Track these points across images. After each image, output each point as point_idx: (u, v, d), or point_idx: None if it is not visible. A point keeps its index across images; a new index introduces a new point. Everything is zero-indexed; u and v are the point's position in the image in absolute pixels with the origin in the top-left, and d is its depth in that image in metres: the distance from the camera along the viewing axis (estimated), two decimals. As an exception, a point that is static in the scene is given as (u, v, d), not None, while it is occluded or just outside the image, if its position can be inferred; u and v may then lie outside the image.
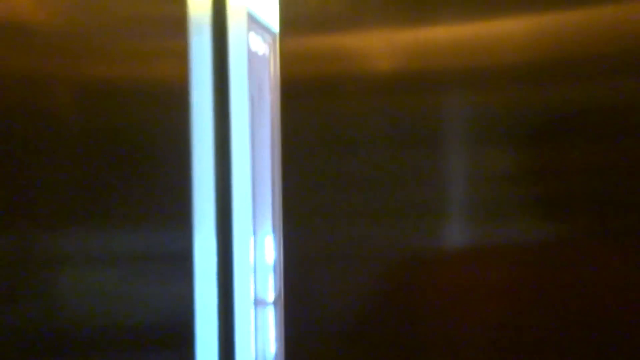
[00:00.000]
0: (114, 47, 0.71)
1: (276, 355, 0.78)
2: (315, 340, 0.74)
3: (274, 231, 0.79)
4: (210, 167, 0.73)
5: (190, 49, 0.72)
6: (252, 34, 0.78)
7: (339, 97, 0.73)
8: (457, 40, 0.70)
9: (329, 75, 0.74)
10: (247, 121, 0.77)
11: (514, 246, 0.69)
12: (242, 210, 0.75)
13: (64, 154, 0.73)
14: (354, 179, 0.72)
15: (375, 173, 0.71)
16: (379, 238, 0.72)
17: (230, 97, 0.74)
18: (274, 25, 0.77)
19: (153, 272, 0.73)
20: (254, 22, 0.78)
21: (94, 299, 0.69)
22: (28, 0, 0.76)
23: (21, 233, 0.69)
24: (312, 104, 0.74)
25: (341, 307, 0.74)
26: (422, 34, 0.71)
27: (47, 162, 0.71)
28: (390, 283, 0.73)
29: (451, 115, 0.72)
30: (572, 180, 0.68)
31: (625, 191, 0.66)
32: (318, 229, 0.73)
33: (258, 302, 0.78)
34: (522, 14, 0.70)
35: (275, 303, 0.79)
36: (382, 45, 0.73)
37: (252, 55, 0.78)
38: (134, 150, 0.73)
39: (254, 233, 0.78)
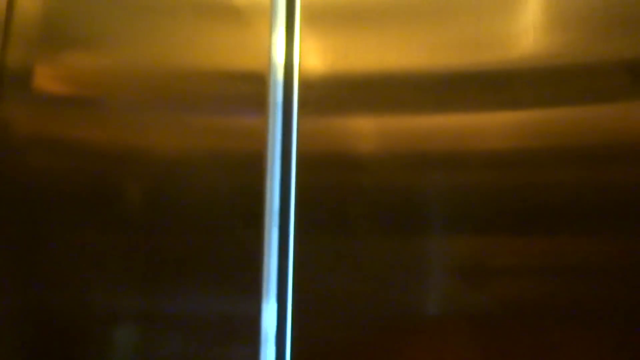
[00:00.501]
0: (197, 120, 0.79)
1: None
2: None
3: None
4: (275, 239, 0.77)
5: (268, 126, 0.78)
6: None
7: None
8: (439, 127, 0.74)
9: (337, 151, 0.78)
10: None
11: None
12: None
13: (142, 222, 0.80)
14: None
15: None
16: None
17: (293, 173, 0.79)
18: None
19: (221, 334, 0.77)
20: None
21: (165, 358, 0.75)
22: (107, 78, 0.85)
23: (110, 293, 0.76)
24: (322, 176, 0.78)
25: None
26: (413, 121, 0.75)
27: (118, 228, 0.79)
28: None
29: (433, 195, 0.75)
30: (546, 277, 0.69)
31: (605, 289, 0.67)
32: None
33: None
34: (509, 109, 0.73)
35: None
36: (373, 127, 0.77)
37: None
38: (210, 218, 0.79)
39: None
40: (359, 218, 0.75)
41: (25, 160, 0.87)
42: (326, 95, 0.78)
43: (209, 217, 0.79)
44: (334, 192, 0.76)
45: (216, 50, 0.82)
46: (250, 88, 0.80)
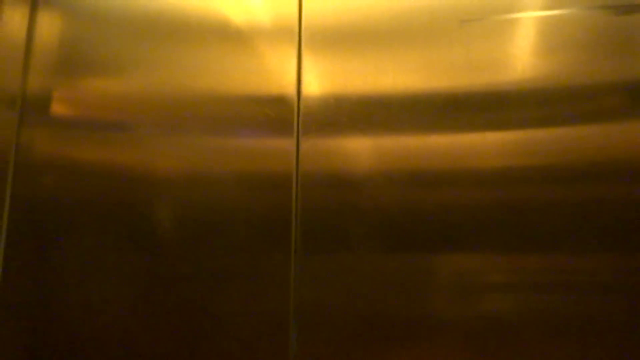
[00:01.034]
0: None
1: None
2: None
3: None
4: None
5: (299, 147, 0.80)
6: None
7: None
8: (433, 147, 0.77)
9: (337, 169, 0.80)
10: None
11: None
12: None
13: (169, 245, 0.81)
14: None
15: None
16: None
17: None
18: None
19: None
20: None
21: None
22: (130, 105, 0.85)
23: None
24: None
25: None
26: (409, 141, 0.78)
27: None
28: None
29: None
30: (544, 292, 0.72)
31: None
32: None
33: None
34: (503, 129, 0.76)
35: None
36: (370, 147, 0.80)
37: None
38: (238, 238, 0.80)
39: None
40: (358, 236, 0.77)
41: (45, 182, 0.87)
42: (326, 117, 0.80)
43: (238, 238, 0.80)
44: (335, 211, 0.78)
45: (241, 74, 0.84)
46: (277, 111, 0.82)
